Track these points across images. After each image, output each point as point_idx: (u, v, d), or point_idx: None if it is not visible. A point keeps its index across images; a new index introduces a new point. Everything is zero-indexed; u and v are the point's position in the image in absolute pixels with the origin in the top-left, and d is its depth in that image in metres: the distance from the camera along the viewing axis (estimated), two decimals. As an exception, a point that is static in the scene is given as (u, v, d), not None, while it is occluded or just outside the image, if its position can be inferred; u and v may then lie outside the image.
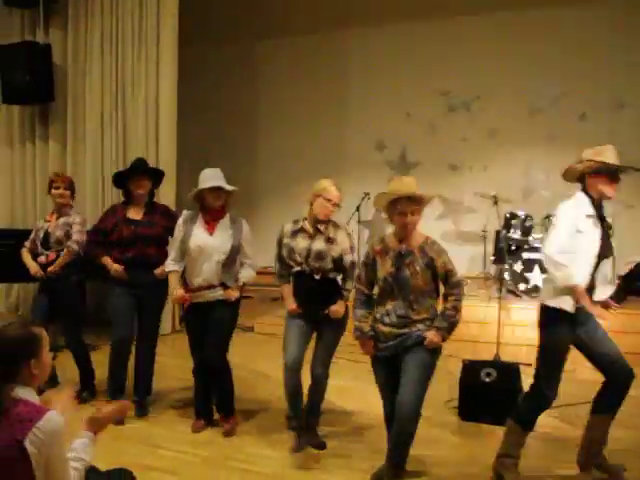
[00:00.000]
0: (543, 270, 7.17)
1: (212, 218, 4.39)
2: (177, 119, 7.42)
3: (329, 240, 4.09)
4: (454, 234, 9.16)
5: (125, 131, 7.64)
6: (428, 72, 9.14)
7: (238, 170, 10.04)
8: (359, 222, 9.05)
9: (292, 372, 4.06)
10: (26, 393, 2.21)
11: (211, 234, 4.36)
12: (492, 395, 4.59)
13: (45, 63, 7.75)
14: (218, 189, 4.29)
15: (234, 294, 4.36)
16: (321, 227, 4.13)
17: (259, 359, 6.41)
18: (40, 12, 7.86)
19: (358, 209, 8.97)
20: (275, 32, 9.94)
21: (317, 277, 4.08)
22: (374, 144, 9.64)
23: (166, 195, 7.35)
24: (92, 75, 7.75)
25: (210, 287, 4.35)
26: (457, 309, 3.46)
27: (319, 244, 4.08)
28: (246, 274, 4.42)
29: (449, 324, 3.45)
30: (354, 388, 5.29)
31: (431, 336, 3.41)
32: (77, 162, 7.89)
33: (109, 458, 3.56)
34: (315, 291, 4.10)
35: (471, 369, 4.76)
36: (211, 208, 4.37)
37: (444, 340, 3.46)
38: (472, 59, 8.88)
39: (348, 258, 4.10)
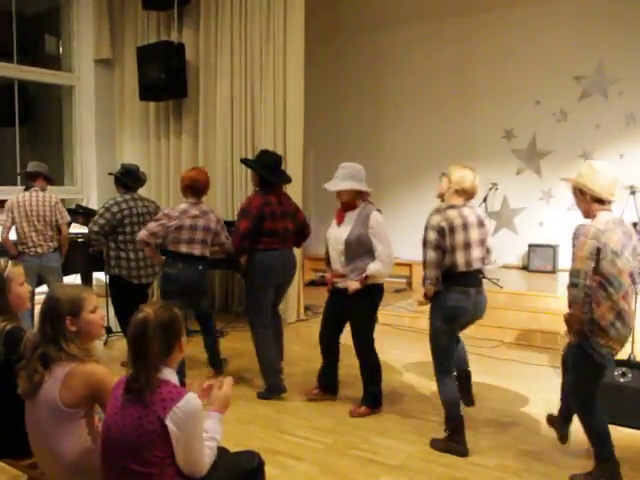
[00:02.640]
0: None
1: (342, 210, 4.60)
2: (303, 110, 7.53)
3: None
4: (587, 226, 8.73)
5: (254, 126, 7.85)
6: (560, 56, 8.73)
7: (363, 160, 10.02)
8: (486, 213, 8.84)
9: None
10: (168, 374, 2.36)
11: (339, 225, 4.57)
12: (627, 397, 4.35)
13: (179, 61, 8.11)
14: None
15: (352, 285, 4.42)
16: None
17: (382, 350, 6.41)
18: (174, 13, 8.23)
19: (485, 200, 8.76)
20: (400, 20, 9.85)
21: None
22: (502, 133, 9.36)
23: (293, 184, 7.51)
24: (222, 72, 8.02)
25: (341, 276, 4.54)
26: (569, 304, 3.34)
27: None
28: (372, 267, 4.38)
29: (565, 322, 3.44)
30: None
31: None
32: (208, 156, 8.20)
33: (238, 440, 3.73)
34: None
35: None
36: (341, 201, 4.59)
37: (574, 339, 3.43)
38: (609, 40, 8.41)
39: None
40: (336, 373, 4.97)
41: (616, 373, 4.41)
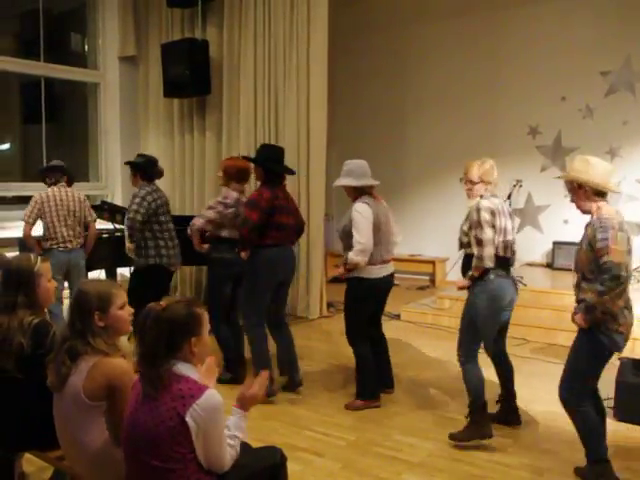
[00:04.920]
0: None
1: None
2: (327, 106, 7.53)
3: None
4: (612, 223, 8.62)
5: (277, 122, 7.86)
6: (586, 51, 8.62)
7: (387, 158, 10.09)
8: (510, 210, 8.75)
9: None
10: (187, 370, 2.35)
11: None
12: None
13: (203, 58, 8.14)
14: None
15: (337, 270, 4.73)
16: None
17: (405, 347, 6.43)
18: (198, 11, 8.26)
19: (509, 197, 8.69)
20: (424, 17, 9.81)
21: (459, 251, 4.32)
22: (527, 129, 9.27)
23: (316, 184, 7.55)
24: (245, 69, 8.03)
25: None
26: (600, 293, 3.25)
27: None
28: (349, 255, 4.53)
29: (585, 307, 3.37)
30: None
31: (576, 318, 3.46)
32: (232, 152, 8.21)
33: (260, 436, 3.75)
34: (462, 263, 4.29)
35: (630, 368, 4.50)
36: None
37: (587, 325, 3.38)
38: (637, 34, 8.28)
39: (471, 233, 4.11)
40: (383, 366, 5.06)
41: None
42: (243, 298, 5.05)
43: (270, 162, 4.95)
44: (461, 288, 4.22)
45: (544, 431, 4.31)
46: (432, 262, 9.75)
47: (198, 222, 5.21)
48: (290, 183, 7.41)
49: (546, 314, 6.81)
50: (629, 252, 3.31)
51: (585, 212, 3.45)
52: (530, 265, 8.91)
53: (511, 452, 3.97)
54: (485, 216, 3.99)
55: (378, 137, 10.33)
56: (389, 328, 7.02)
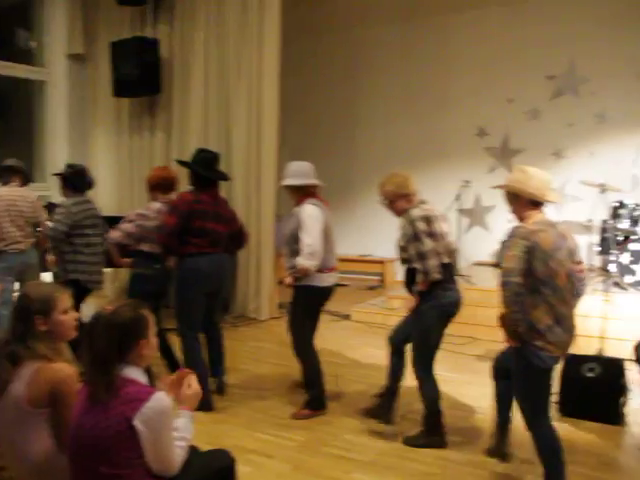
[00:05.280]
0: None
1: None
2: (278, 107, 7.53)
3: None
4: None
5: (228, 122, 7.83)
6: (532, 55, 8.82)
7: (337, 158, 10.16)
8: (459, 210, 8.90)
9: None
10: (135, 373, 2.34)
11: None
12: (594, 391, 4.44)
13: (153, 57, 8.08)
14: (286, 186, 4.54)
15: (285, 280, 4.47)
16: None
17: (355, 347, 6.46)
18: (149, 9, 8.18)
19: (458, 197, 8.82)
20: (374, 19, 9.90)
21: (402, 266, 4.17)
22: (475, 131, 9.43)
23: (267, 184, 7.53)
24: (196, 68, 7.98)
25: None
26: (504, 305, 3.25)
27: None
28: (299, 261, 4.30)
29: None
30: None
31: None
32: (182, 152, 8.13)
33: (210, 439, 3.73)
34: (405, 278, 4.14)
35: (573, 363, 4.61)
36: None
37: (514, 341, 3.31)
38: (581, 41, 8.51)
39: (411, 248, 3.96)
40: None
41: (584, 368, 4.51)
42: (174, 309, 4.78)
43: (199, 166, 4.71)
44: (411, 309, 4.07)
45: (491, 426, 4.38)
46: (381, 262, 9.83)
47: (115, 235, 4.90)
48: (240, 184, 7.45)
49: (494, 313, 6.84)
50: (544, 262, 3.11)
51: (521, 221, 3.34)
52: (478, 264, 9.06)
53: (458, 449, 4.03)
54: (420, 226, 3.89)
55: (328, 137, 10.39)
56: (339, 328, 7.09)
